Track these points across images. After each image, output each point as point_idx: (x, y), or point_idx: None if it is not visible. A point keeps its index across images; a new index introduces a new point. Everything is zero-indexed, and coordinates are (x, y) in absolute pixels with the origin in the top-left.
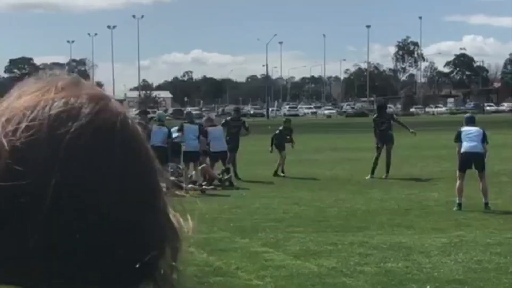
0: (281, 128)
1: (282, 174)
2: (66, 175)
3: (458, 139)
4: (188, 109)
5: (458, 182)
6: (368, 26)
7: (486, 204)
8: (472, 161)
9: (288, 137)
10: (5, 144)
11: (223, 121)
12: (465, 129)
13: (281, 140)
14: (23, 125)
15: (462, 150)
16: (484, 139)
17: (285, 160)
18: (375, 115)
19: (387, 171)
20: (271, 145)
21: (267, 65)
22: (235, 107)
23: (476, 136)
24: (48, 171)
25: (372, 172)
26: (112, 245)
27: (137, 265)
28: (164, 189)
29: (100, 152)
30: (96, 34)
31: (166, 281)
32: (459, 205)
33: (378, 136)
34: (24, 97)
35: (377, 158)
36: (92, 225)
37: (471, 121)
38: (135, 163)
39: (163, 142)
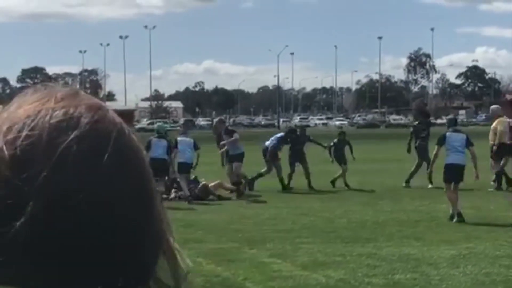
0: (335, 140)
1: (346, 187)
2: (62, 182)
3: (441, 142)
4: (200, 119)
5: (448, 193)
6: (379, 38)
7: (459, 214)
8: (457, 173)
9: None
10: (6, 152)
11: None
12: (450, 135)
13: (339, 153)
14: (23, 134)
15: (449, 161)
16: (468, 144)
17: (345, 173)
18: (416, 122)
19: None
20: (330, 156)
21: (278, 75)
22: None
23: (461, 145)
24: (46, 179)
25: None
26: (105, 251)
27: (130, 272)
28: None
29: (97, 161)
30: (108, 44)
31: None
32: (459, 214)
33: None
34: (24, 107)
35: (417, 167)
36: (85, 232)
37: (454, 124)
38: (130, 172)
39: (163, 155)
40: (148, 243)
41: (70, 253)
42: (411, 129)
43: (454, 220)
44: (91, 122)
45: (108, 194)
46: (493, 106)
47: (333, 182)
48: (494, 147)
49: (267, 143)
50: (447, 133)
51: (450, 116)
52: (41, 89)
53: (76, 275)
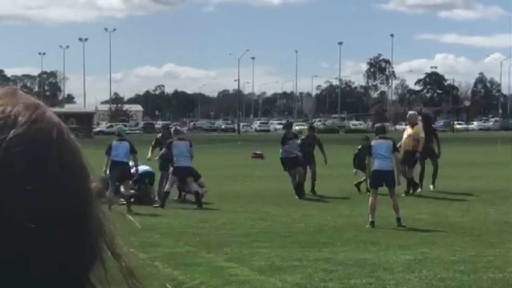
0: (359, 147)
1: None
2: (2, 182)
3: (370, 152)
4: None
5: (370, 199)
6: (340, 43)
7: (398, 219)
8: (384, 179)
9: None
10: None
11: (299, 141)
12: (376, 143)
13: (362, 161)
14: None
15: (374, 167)
16: (394, 150)
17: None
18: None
19: (434, 183)
20: (354, 166)
21: (238, 80)
22: (309, 125)
23: (386, 152)
24: None
25: (421, 186)
26: (35, 260)
27: (63, 273)
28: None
29: (35, 163)
30: (67, 47)
31: None
32: (372, 223)
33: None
34: None
35: (422, 171)
36: (16, 239)
37: (381, 132)
38: (70, 172)
39: (125, 157)
40: (85, 244)
41: (6, 254)
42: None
43: (367, 226)
44: (29, 121)
45: (50, 195)
46: (410, 112)
47: (357, 186)
48: (418, 154)
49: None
50: (373, 142)
51: (378, 124)
52: None
53: (6, 278)
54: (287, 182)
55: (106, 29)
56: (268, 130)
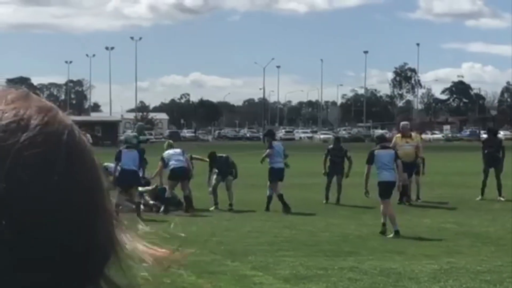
0: None
1: (419, 200)
2: (11, 185)
3: (371, 161)
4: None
5: (389, 210)
6: (365, 52)
7: (397, 232)
8: (390, 189)
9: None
10: None
11: (326, 150)
12: (379, 153)
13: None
14: None
15: (382, 179)
16: (396, 159)
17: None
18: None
19: (500, 194)
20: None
21: (264, 88)
22: (335, 136)
23: (390, 162)
24: None
25: (482, 194)
26: (53, 252)
27: (80, 272)
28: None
29: (46, 164)
30: (94, 55)
31: None
32: (397, 232)
33: (485, 159)
34: None
35: (484, 181)
36: (30, 237)
37: (382, 141)
38: (80, 174)
39: (134, 166)
40: (98, 244)
41: (16, 258)
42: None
43: (390, 235)
44: (41, 124)
45: (57, 197)
46: (403, 123)
47: (417, 195)
48: (419, 159)
49: None
50: (375, 151)
51: (378, 134)
52: None
53: (22, 277)
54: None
55: (132, 38)
56: (293, 139)
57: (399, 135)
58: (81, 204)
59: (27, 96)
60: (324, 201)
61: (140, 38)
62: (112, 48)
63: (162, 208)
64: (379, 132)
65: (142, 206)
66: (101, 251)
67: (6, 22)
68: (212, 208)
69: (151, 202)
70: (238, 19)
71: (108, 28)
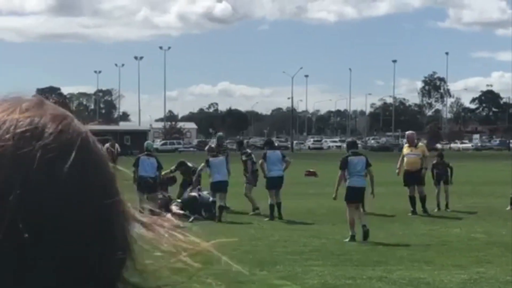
0: (434, 161)
1: (448, 210)
2: (26, 193)
3: (343, 166)
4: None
5: (350, 214)
6: (394, 61)
7: (364, 225)
8: (358, 194)
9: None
10: None
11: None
12: (351, 160)
13: (439, 174)
14: None
15: (351, 184)
16: (367, 165)
17: (448, 194)
18: None
19: None
20: (433, 178)
21: (292, 97)
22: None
23: (362, 168)
24: (10, 188)
25: (511, 203)
26: (72, 260)
27: (97, 278)
28: (129, 211)
29: (60, 172)
30: (123, 65)
31: None
32: (353, 237)
33: None
34: None
35: None
36: (46, 243)
37: (353, 146)
38: (93, 182)
39: (152, 173)
40: (115, 248)
41: (32, 263)
42: None
43: (347, 240)
44: (55, 132)
45: (72, 203)
46: (408, 132)
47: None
48: (423, 170)
49: None
50: (349, 158)
51: (349, 139)
52: (7, 99)
53: (39, 282)
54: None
55: (161, 47)
56: (321, 148)
57: (406, 144)
58: (96, 210)
59: (41, 104)
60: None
61: (169, 48)
62: (141, 57)
63: (192, 218)
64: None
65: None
66: (118, 255)
67: (37, 32)
68: (251, 213)
69: (180, 211)
70: (267, 28)
71: (137, 38)
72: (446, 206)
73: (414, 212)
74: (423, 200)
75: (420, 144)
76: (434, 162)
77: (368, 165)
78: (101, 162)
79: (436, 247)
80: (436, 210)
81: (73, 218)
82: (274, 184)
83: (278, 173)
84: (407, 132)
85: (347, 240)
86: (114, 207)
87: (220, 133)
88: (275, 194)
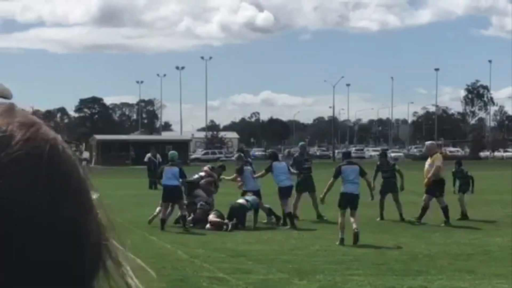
0: (453, 170)
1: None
2: None
3: (337, 175)
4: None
5: (340, 219)
6: (436, 69)
7: (356, 233)
8: (350, 201)
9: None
10: None
11: (375, 167)
12: (345, 168)
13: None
14: None
15: (344, 190)
16: (362, 174)
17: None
18: None
19: None
20: (454, 185)
21: (333, 106)
22: (381, 151)
23: (355, 177)
24: None
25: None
26: (29, 272)
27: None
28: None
29: (28, 180)
30: (165, 75)
31: None
32: (342, 239)
33: None
34: None
35: None
36: (13, 252)
37: (347, 157)
38: (63, 189)
39: (175, 181)
40: (85, 257)
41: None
42: None
43: (337, 243)
44: (21, 140)
45: (41, 211)
46: (428, 143)
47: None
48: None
49: None
50: (342, 167)
51: (344, 150)
52: None
53: None
54: (377, 209)
55: (202, 58)
56: (363, 157)
57: None
58: (66, 218)
59: (10, 111)
60: (378, 218)
61: (210, 58)
62: (183, 67)
63: (229, 227)
64: (450, 149)
65: (208, 225)
66: (89, 264)
67: (81, 43)
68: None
69: (217, 219)
70: (309, 37)
71: (179, 48)
72: (462, 214)
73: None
74: (443, 210)
75: (436, 154)
76: (453, 170)
77: (362, 173)
78: (71, 168)
79: (477, 257)
80: (457, 218)
81: (43, 225)
82: (287, 193)
83: (289, 183)
84: (427, 143)
85: (337, 243)
86: (87, 213)
87: (303, 142)
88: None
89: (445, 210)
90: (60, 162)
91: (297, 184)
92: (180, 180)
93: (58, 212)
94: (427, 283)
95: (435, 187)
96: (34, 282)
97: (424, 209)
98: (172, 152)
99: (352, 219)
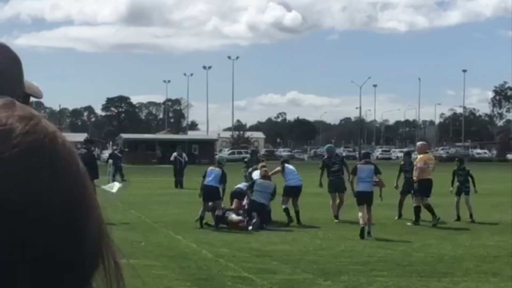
0: (454, 168)
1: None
2: None
3: (354, 173)
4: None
5: (364, 214)
6: (464, 71)
7: (369, 233)
8: (365, 198)
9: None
10: None
11: (399, 167)
12: (360, 167)
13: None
14: None
15: (358, 189)
16: (376, 172)
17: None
18: None
19: None
20: (452, 185)
21: (360, 107)
22: (406, 151)
23: (368, 175)
24: None
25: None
26: (30, 271)
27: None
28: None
29: (28, 173)
30: (191, 74)
31: None
32: (363, 229)
33: None
34: None
35: None
36: (13, 246)
37: (365, 157)
38: (63, 182)
39: (215, 183)
40: (85, 252)
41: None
42: None
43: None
44: (21, 133)
45: (41, 204)
46: (418, 143)
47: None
48: (415, 184)
49: None
50: (358, 165)
51: (364, 151)
52: None
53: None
54: (407, 211)
55: (229, 57)
56: (389, 158)
57: None
58: (66, 211)
59: (10, 105)
60: (396, 217)
61: (237, 57)
62: (210, 67)
63: (251, 225)
64: (478, 151)
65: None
66: (88, 260)
67: (109, 42)
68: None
69: (237, 217)
70: (337, 38)
71: (207, 48)
72: (470, 216)
73: (416, 221)
74: (415, 209)
75: (422, 155)
76: (455, 168)
77: (377, 172)
78: (71, 162)
79: (503, 259)
80: (453, 220)
81: (43, 218)
82: (294, 192)
83: (298, 183)
84: (418, 143)
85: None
86: (87, 207)
87: (330, 145)
88: (293, 202)
89: (417, 210)
90: (60, 155)
91: (328, 185)
92: (221, 184)
93: (58, 204)
94: (452, 285)
95: (421, 187)
96: (35, 276)
97: (418, 208)
98: (220, 155)
99: (367, 216)
